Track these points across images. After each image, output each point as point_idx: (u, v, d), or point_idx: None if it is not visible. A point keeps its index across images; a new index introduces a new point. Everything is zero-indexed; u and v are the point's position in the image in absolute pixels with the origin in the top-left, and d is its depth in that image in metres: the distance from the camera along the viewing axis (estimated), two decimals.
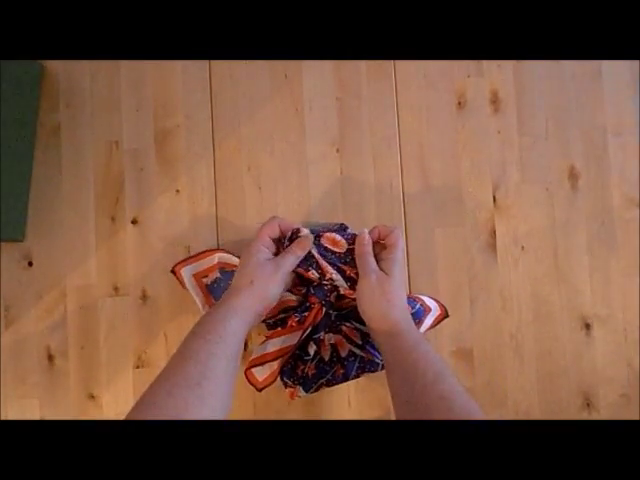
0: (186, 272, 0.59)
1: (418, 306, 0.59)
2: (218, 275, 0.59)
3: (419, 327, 0.59)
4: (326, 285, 0.55)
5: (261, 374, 0.57)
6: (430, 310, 0.60)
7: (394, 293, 0.52)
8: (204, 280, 0.59)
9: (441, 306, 0.61)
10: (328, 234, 0.56)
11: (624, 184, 0.63)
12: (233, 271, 0.57)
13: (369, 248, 0.54)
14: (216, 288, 0.59)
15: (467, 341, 0.62)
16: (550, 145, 0.64)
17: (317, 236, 0.56)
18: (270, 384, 0.57)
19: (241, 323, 0.49)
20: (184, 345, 0.48)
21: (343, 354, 0.57)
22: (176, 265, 0.60)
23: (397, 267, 0.53)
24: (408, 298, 0.59)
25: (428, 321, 0.60)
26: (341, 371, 0.57)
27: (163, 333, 0.61)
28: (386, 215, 0.62)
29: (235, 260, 0.58)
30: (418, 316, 0.59)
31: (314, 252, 0.55)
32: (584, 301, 0.62)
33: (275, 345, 0.57)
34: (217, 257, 0.59)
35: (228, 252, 0.59)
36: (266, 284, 0.51)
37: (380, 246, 0.55)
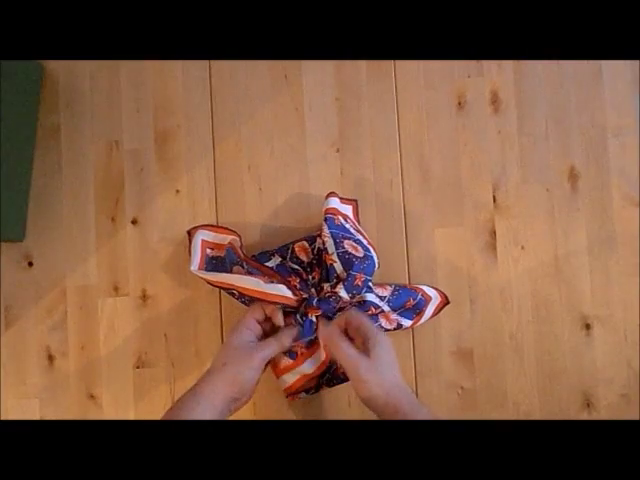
0: (199, 235, 0.60)
1: (419, 297, 0.59)
2: (222, 254, 0.59)
3: (420, 318, 0.59)
4: (331, 297, 0.55)
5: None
6: (431, 299, 0.60)
7: (382, 374, 0.49)
8: (208, 251, 0.59)
9: (441, 294, 0.61)
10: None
11: (624, 184, 0.63)
12: (237, 253, 0.57)
13: (336, 334, 0.52)
14: (214, 264, 0.59)
15: (467, 341, 0.62)
16: (550, 145, 0.63)
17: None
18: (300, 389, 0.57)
19: (208, 409, 0.47)
20: None
21: None
22: (194, 227, 0.60)
23: (378, 347, 0.50)
24: (409, 289, 0.59)
25: (429, 311, 0.60)
26: (341, 370, 0.57)
27: (163, 333, 0.61)
28: (386, 215, 0.62)
29: (240, 252, 0.58)
30: (419, 307, 0.59)
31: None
32: (584, 301, 0.62)
33: (295, 375, 0.56)
34: (231, 239, 0.59)
35: (241, 244, 0.59)
36: (238, 368, 0.49)
37: (353, 331, 0.53)
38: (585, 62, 0.64)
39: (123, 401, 0.61)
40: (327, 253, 0.55)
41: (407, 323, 0.59)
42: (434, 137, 0.63)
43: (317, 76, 0.64)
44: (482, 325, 0.62)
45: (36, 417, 0.61)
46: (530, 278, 0.62)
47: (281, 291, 0.54)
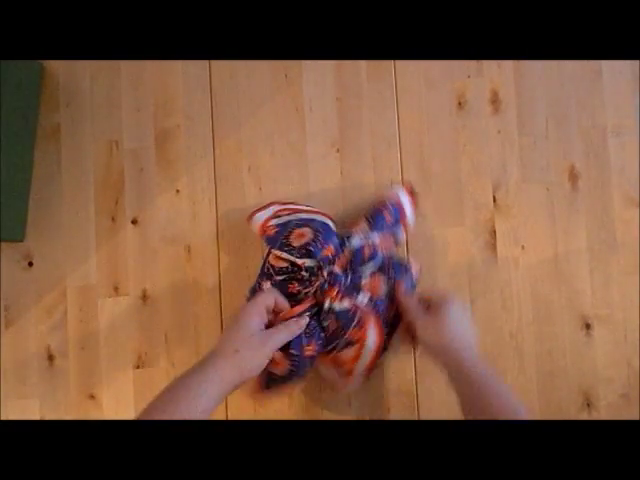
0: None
1: (390, 206, 0.59)
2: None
3: (405, 219, 0.60)
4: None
5: None
6: (399, 198, 0.60)
7: (448, 328, 0.51)
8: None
9: (405, 186, 0.62)
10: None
11: (624, 184, 0.63)
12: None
13: (409, 298, 0.55)
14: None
15: None
16: (550, 145, 0.63)
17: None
18: None
19: (213, 399, 0.46)
20: (146, 412, 0.44)
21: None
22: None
23: (445, 308, 0.52)
24: (378, 208, 0.59)
25: (408, 208, 0.60)
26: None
27: (163, 333, 0.61)
28: None
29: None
30: (398, 214, 0.60)
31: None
32: (584, 301, 0.62)
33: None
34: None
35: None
36: (252, 356, 0.48)
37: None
38: (585, 62, 0.64)
39: (123, 401, 0.61)
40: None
41: (401, 234, 0.60)
42: (434, 137, 0.63)
43: (317, 76, 0.64)
44: (482, 325, 0.62)
45: (36, 417, 0.61)
46: (530, 278, 0.62)
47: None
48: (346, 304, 0.54)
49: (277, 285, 0.56)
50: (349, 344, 0.54)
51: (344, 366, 0.55)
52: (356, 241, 0.56)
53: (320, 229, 0.55)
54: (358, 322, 0.54)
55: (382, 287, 0.56)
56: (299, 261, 0.55)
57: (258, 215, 0.58)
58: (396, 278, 0.57)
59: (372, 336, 0.54)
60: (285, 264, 0.57)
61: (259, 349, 0.49)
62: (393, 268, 0.57)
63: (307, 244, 0.54)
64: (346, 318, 0.54)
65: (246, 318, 0.50)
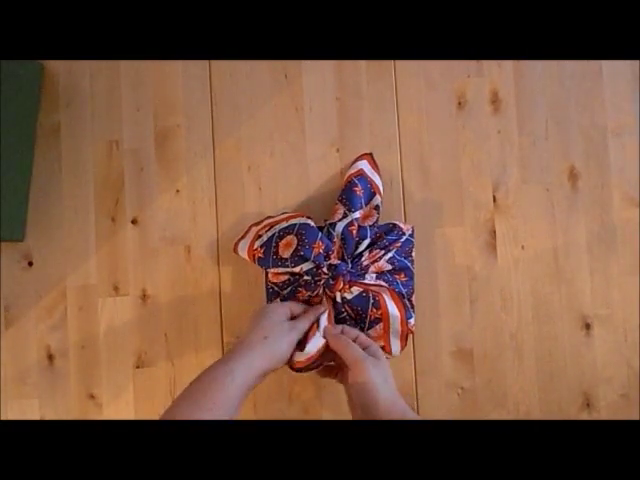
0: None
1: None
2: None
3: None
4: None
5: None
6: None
7: (388, 380, 0.50)
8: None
9: (365, 157, 0.62)
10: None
11: (624, 184, 0.63)
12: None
13: (343, 336, 0.53)
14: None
15: (467, 341, 0.62)
16: (550, 145, 0.64)
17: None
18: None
19: (242, 388, 0.47)
20: (175, 404, 0.45)
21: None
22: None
23: (380, 355, 0.51)
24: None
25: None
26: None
27: (163, 333, 0.61)
28: (386, 215, 0.62)
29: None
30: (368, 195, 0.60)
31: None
32: (584, 301, 0.62)
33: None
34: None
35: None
36: (280, 342, 0.50)
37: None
38: (585, 62, 0.64)
39: (123, 401, 0.61)
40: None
41: (378, 200, 0.60)
42: (434, 137, 0.63)
43: (317, 76, 0.64)
44: (482, 325, 0.62)
45: (36, 417, 0.61)
46: (530, 278, 0.62)
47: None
48: (356, 290, 0.55)
49: (286, 299, 0.57)
50: (374, 323, 0.55)
51: (378, 341, 0.56)
52: (340, 226, 0.57)
53: (302, 231, 0.56)
54: (374, 301, 0.55)
55: (383, 258, 0.57)
56: (296, 269, 0.55)
57: (241, 243, 0.59)
58: (391, 242, 0.58)
59: (393, 308, 0.55)
60: (285, 277, 0.58)
61: (287, 335, 0.50)
62: (386, 235, 0.58)
63: (296, 250, 0.55)
64: (361, 302, 0.55)
65: (273, 309, 0.53)
